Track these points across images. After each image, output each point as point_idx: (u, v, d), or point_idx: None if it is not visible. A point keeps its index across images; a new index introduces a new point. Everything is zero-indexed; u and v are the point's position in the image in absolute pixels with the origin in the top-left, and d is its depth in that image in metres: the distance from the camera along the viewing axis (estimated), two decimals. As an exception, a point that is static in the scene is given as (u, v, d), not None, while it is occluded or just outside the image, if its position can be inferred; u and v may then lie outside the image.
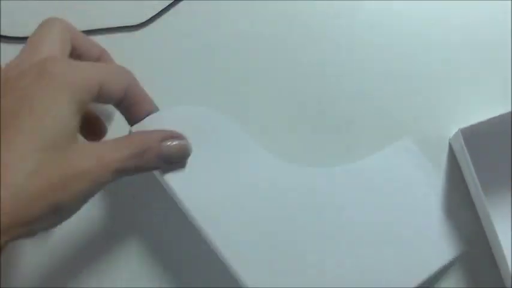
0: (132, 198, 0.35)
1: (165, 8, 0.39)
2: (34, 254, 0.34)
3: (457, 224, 0.32)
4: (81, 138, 0.29)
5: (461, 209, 0.34)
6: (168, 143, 0.28)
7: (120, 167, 0.25)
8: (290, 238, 0.29)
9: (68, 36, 0.28)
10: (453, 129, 0.35)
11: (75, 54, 0.29)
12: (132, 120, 0.29)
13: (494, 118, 0.32)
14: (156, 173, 0.29)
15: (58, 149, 0.23)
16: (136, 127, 0.29)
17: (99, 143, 0.28)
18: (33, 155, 0.22)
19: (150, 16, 0.39)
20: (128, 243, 0.34)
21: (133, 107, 0.29)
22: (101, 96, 0.26)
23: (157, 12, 0.39)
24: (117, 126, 0.35)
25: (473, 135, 0.32)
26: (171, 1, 0.39)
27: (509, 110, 0.33)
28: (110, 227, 0.34)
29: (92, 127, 0.32)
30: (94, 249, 0.34)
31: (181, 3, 0.39)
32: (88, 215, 0.34)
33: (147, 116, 0.29)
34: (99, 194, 0.28)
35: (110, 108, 0.31)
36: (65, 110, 0.24)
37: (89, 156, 0.24)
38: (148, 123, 0.29)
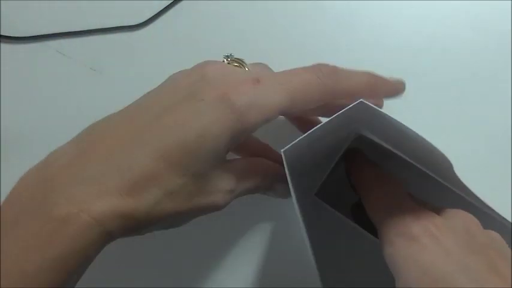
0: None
1: (165, 8, 0.39)
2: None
3: None
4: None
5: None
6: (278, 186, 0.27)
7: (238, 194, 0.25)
8: None
9: None
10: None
11: None
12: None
13: None
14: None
15: (193, 177, 0.22)
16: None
17: (237, 170, 0.25)
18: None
19: (150, 16, 0.39)
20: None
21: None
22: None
23: (157, 12, 0.39)
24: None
25: None
26: (171, 1, 0.39)
27: (509, 110, 0.33)
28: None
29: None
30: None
31: (181, 3, 0.39)
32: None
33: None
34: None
35: None
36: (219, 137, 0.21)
37: (219, 192, 0.23)
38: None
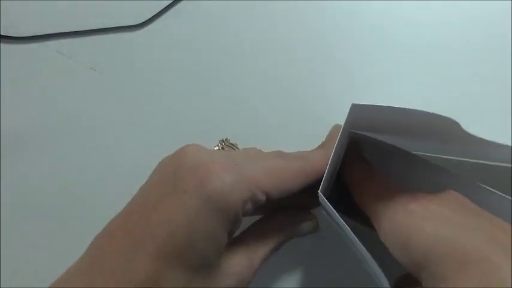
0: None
1: (165, 8, 0.39)
2: (34, 254, 0.34)
3: None
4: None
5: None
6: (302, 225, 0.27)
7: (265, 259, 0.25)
8: None
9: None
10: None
11: None
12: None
13: None
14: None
15: (200, 269, 0.21)
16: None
17: (245, 244, 0.25)
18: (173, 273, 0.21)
19: (150, 16, 0.39)
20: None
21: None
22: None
23: (157, 12, 0.39)
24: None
25: None
26: (171, 1, 0.39)
27: (509, 110, 0.33)
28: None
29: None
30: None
31: (181, 3, 0.39)
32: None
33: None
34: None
35: None
36: (208, 224, 0.21)
37: (234, 274, 0.23)
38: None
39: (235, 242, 0.24)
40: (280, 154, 0.26)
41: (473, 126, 0.36)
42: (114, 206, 0.34)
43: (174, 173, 0.22)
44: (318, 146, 0.28)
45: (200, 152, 0.23)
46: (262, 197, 0.23)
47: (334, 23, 0.39)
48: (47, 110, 0.37)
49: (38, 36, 0.38)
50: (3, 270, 0.33)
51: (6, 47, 0.38)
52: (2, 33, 0.38)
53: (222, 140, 0.27)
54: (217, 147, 0.27)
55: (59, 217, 0.34)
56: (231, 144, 0.27)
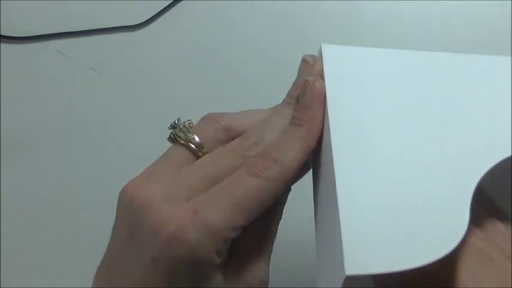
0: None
1: (165, 8, 0.39)
2: (35, 254, 0.34)
3: None
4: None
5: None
6: None
7: None
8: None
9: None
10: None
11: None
12: None
13: None
14: None
15: None
16: None
17: (250, 247, 0.23)
18: None
19: (150, 16, 0.39)
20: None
21: None
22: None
23: (157, 12, 0.39)
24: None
25: None
26: (171, 1, 0.39)
27: (510, 110, 0.33)
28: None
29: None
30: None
31: (181, 3, 0.39)
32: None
33: None
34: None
35: None
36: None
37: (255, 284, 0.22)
38: None
39: (239, 253, 0.23)
40: (252, 167, 0.21)
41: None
42: (114, 205, 0.35)
43: (131, 235, 0.21)
44: (292, 117, 0.24)
45: (153, 206, 0.21)
46: (236, 234, 0.21)
47: (335, 23, 0.39)
48: (47, 110, 0.37)
49: (38, 36, 0.38)
50: (3, 270, 0.33)
51: (6, 47, 0.38)
52: (2, 33, 0.38)
53: (173, 125, 0.25)
54: (170, 139, 0.25)
55: (59, 217, 0.34)
56: (184, 129, 0.24)
